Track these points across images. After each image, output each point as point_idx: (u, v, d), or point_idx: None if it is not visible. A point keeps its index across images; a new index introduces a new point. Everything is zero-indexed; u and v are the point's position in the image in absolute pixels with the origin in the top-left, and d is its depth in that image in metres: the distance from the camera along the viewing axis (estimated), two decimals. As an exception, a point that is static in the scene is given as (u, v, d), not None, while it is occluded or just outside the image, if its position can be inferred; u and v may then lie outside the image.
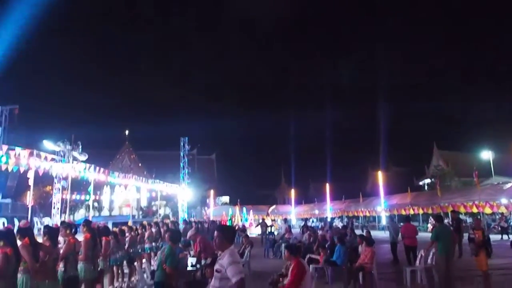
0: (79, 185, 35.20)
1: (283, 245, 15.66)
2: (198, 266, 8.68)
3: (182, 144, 26.98)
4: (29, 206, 15.75)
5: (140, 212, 53.57)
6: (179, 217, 27.52)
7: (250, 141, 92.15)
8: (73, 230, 6.77)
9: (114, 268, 10.58)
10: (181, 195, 27.19)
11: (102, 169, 16.72)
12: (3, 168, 14.87)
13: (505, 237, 21.92)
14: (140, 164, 56.83)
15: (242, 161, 79.91)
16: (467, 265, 12.46)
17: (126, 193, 52.18)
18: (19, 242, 5.64)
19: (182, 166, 27.36)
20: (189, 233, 9.69)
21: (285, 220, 23.11)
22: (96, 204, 53.80)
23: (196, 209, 50.44)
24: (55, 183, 19.60)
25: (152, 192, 33.11)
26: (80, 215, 47.15)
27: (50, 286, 5.73)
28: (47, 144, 13.69)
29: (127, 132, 58.44)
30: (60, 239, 6.56)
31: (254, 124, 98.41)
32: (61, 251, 6.35)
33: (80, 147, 14.86)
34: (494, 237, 23.65)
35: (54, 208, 20.10)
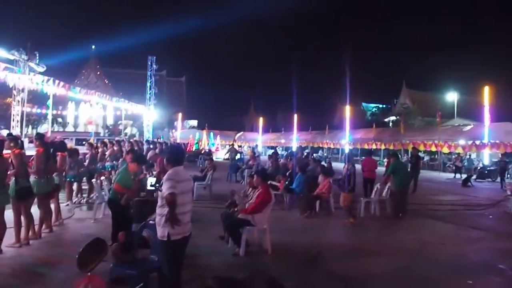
0: (42, 98, 33.99)
1: (246, 170, 15.91)
2: (157, 186, 8.68)
3: (149, 63, 26.03)
4: None
5: (106, 131, 52.87)
6: (144, 137, 27.27)
7: (221, 66, 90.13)
8: (19, 143, 6.47)
9: (75, 185, 10.51)
10: (146, 116, 26.72)
11: (62, 83, 15.97)
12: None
13: (457, 176, 23.00)
14: (106, 82, 55.26)
15: (212, 86, 78.86)
16: (420, 200, 13.13)
17: (91, 110, 51.09)
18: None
19: (148, 86, 26.61)
20: (150, 154, 9.60)
21: (255, 147, 23.30)
22: (60, 120, 52.62)
23: (164, 131, 50.19)
24: (14, 95, 18.79)
25: (118, 111, 32.38)
26: (42, 129, 46.04)
27: None
28: (0, 52, 12.72)
29: (93, 47, 56.05)
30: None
31: (227, 49, 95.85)
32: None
33: (38, 57, 13.97)
34: (448, 175, 24.88)
35: (13, 120, 19.44)
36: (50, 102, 16.69)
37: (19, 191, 6.03)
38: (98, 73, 56.29)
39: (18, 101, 19.01)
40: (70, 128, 53.77)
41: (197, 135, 40.81)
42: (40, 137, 7.08)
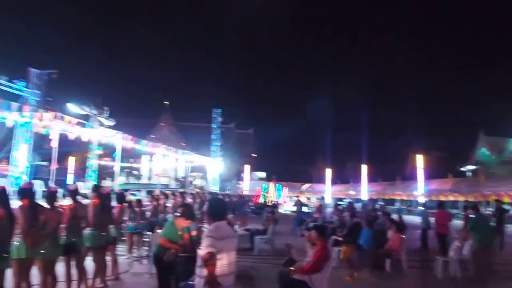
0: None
1: (310, 224, 15.19)
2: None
3: (214, 116, 26.65)
4: (53, 169, 15.89)
5: (177, 183, 54.40)
6: (209, 189, 27.53)
7: (288, 118, 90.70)
8: (75, 195, 6.48)
9: (134, 237, 10.45)
10: (211, 168, 27.06)
11: (130, 137, 16.67)
12: (36, 131, 15.15)
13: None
14: (178, 135, 57.61)
15: (279, 138, 79.29)
16: (509, 259, 11.56)
17: (163, 163, 53.06)
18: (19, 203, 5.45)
19: (214, 138, 27.10)
20: (206, 207, 9.33)
21: (321, 199, 22.49)
22: (136, 172, 55.17)
23: (232, 183, 50.62)
24: (91, 148, 19.95)
25: (188, 163, 33.45)
26: (119, 182, 48.45)
27: (43, 252, 5.50)
28: (71, 107, 13.60)
29: (167, 102, 59.20)
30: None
31: (293, 102, 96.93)
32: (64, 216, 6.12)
33: (107, 112, 14.78)
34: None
35: (89, 173, 20.49)
36: (117, 154, 17.38)
37: (65, 246, 5.96)
38: (171, 127, 58.98)
39: (94, 155, 20.08)
40: (144, 180, 56.00)
41: (264, 187, 40.57)
42: (96, 189, 7.12)
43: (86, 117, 14.64)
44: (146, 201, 12.17)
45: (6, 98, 16.07)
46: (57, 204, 5.99)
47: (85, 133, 14.75)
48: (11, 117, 14.53)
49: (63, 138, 17.70)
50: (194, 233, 6.85)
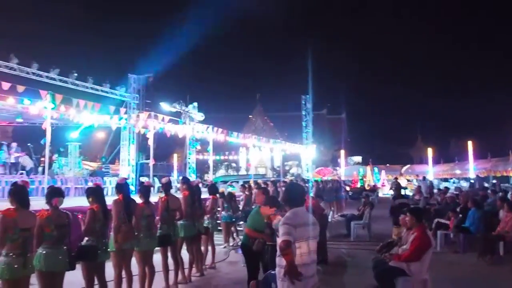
0: (219, 146, 37.73)
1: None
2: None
3: (303, 102, 26.38)
4: (151, 165, 16.84)
5: (274, 172, 55.10)
6: (304, 176, 27.40)
7: (382, 99, 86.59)
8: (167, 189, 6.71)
9: (230, 227, 10.67)
10: (304, 155, 26.89)
11: (220, 130, 17.14)
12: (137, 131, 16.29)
13: None
14: (272, 125, 58.19)
15: (374, 120, 76.16)
16: None
17: (260, 154, 54.10)
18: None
19: (304, 125, 26.87)
20: (282, 194, 9.20)
21: (423, 180, 21.10)
22: (234, 165, 57.07)
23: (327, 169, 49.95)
24: (189, 144, 20.95)
25: (282, 152, 33.74)
26: (219, 174, 50.46)
27: (139, 244, 5.78)
28: (163, 105, 14.35)
29: (258, 95, 60.12)
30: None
31: (385, 81, 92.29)
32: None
33: (196, 107, 15.34)
34: None
35: (189, 168, 21.54)
36: (210, 148, 17.96)
37: (160, 238, 6.20)
38: (265, 117, 59.79)
39: (192, 150, 21.02)
40: (242, 172, 57.56)
41: (361, 171, 39.46)
42: (186, 181, 7.33)
43: (178, 115, 15.36)
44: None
45: (110, 103, 17.38)
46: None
47: (179, 130, 15.45)
48: (114, 121, 15.74)
49: (164, 137, 18.80)
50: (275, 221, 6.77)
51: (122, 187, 5.82)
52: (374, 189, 29.31)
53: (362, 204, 12.80)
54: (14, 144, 16.16)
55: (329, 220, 12.56)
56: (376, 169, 39.92)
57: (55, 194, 4.67)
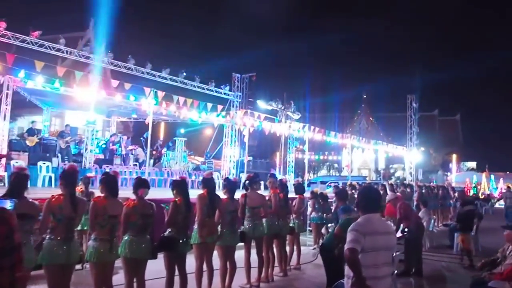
0: (320, 146, 37.43)
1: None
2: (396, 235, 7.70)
3: (409, 102, 24.86)
4: (245, 161, 17.10)
5: (377, 175, 53.04)
6: (407, 180, 25.83)
7: (503, 98, 78.12)
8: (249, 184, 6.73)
9: (320, 228, 10.45)
10: (408, 158, 25.37)
11: (317, 129, 16.86)
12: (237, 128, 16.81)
13: None
14: (377, 127, 56.02)
15: (493, 122, 69.24)
16: None
17: (363, 155, 52.43)
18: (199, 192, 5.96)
19: (409, 126, 25.32)
20: (388, 197, 8.68)
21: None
22: (336, 165, 56.06)
23: (438, 174, 46.68)
24: (289, 143, 21.12)
25: (385, 154, 32.30)
26: (320, 174, 50.01)
27: (221, 238, 5.88)
28: (260, 103, 14.52)
29: (364, 96, 58.39)
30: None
31: (506, 79, 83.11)
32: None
33: (293, 106, 15.26)
34: None
35: (288, 166, 21.70)
36: (306, 147, 17.77)
37: (241, 233, 6.24)
38: (370, 118, 57.81)
39: (292, 149, 21.11)
40: (344, 173, 56.34)
41: (475, 178, 36.19)
42: (276, 178, 7.34)
43: (274, 113, 15.47)
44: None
45: (216, 102, 18.16)
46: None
47: (275, 128, 15.55)
48: (216, 119, 16.43)
49: (265, 135, 19.13)
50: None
51: (207, 182, 5.97)
52: (488, 199, 26.67)
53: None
54: (125, 138, 17.62)
55: (431, 229, 11.64)
56: (492, 176, 36.29)
57: (141, 185, 4.95)
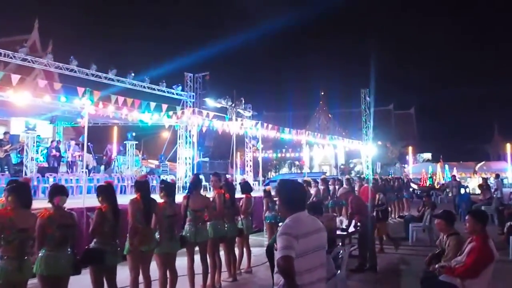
0: (279, 144, 37.21)
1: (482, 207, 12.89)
2: (349, 230, 7.46)
3: (362, 96, 25.06)
4: (194, 162, 16.61)
5: (338, 170, 53.61)
6: (365, 174, 26.07)
7: (454, 90, 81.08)
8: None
9: (274, 228, 10.10)
10: (364, 152, 25.59)
11: (270, 126, 16.56)
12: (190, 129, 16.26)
13: None
14: (335, 123, 56.69)
15: (445, 114, 71.68)
16: None
17: (324, 151, 52.82)
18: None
19: (364, 121, 25.55)
20: (340, 191, 8.44)
21: (496, 177, 19.11)
22: (297, 163, 56.21)
23: (395, 167, 47.69)
24: (246, 142, 20.69)
25: (340, 149, 32.57)
26: (282, 172, 49.96)
27: (160, 245, 5.38)
28: (209, 101, 14.06)
29: (322, 93, 58.91)
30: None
31: (457, 71, 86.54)
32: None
33: (243, 103, 14.88)
34: None
35: (247, 166, 21.29)
36: (259, 145, 17.46)
37: (180, 240, 5.75)
38: (329, 115, 58.43)
39: (249, 147, 20.71)
40: (306, 170, 56.61)
41: (430, 169, 37.19)
42: (218, 177, 6.86)
43: (225, 111, 15.03)
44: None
45: (167, 102, 17.45)
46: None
47: (226, 126, 15.12)
48: (165, 120, 15.83)
49: (224, 135, 18.61)
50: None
51: (140, 185, 5.45)
52: (444, 188, 27.34)
53: (422, 204, 11.67)
54: (72, 143, 16.71)
55: (387, 221, 11.56)
56: (447, 166, 37.42)
57: (57, 192, 4.38)
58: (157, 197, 5.70)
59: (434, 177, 35.29)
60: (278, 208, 3.27)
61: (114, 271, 4.86)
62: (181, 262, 5.95)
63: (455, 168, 36.88)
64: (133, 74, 17.33)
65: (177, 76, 20.84)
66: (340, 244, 7.08)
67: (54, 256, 4.20)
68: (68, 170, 16.54)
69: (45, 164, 16.15)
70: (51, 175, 14.61)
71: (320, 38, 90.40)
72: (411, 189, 24.13)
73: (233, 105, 15.03)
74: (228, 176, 10.12)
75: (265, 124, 16.42)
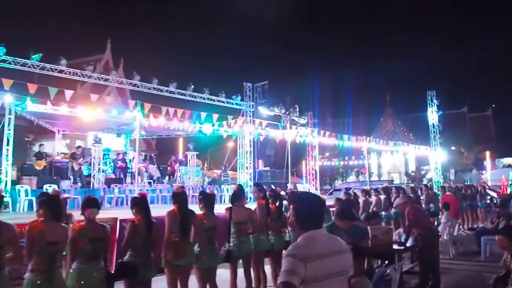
0: (345, 152, 36.37)
1: None
2: (408, 245, 6.85)
3: (429, 98, 23.56)
4: (251, 172, 16.37)
5: (408, 178, 51.23)
6: (434, 181, 24.44)
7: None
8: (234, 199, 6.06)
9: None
10: (432, 158, 24.00)
11: (328, 133, 16.01)
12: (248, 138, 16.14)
13: None
14: (403, 128, 54.32)
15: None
16: None
17: (392, 158, 50.69)
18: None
19: (431, 125, 23.96)
20: (397, 201, 7.80)
21: None
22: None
23: (472, 173, 44.54)
24: (308, 151, 20.35)
25: (410, 155, 30.98)
26: (349, 180, 48.72)
27: (199, 259, 5.21)
28: (262, 109, 13.84)
29: (387, 97, 56.87)
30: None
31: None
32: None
33: (298, 110, 14.51)
34: None
35: (309, 174, 20.91)
36: (316, 153, 16.94)
37: (224, 255, 5.55)
38: (395, 120, 56.18)
39: (311, 156, 20.36)
40: (374, 178, 54.68)
41: (511, 175, 34.24)
42: (261, 188, 6.57)
43: (278, 118, 14.78)
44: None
45: (227, 113, 17.59)
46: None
47: (279, 134, 14.85)
48: (222, 130, 15.91)
49: (284, 144, 18.43)
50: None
51: (178, 197, 5.34)
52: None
53: (496, 215, 10.58)
54: (135, 154, 17.32)
55: (455, 233, 10.66)
56: (532, 172, 34.27)
57: (88, 205, 4.36)
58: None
59: (516, 184, 32.37)
60: (290, 224, 2.94)
61: (149, 285, 4.77)
62: (224, 276, 5.77)
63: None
64: (193, 86, 17.65)
65: (237, 87, 21.04)
66: (397, 259, 6.54)
67: (86, 269, 4.18)
68: (133, 181, 17.14)
69: (112, 176, 16.88)
70: (116, 185, 15.24)
71: (384, 39, 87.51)
72: (488, 198, 22.25)
73: (287, 112, 14.74)
74: (289, 185, 9.82)
75: (322, 132, 15.94)
